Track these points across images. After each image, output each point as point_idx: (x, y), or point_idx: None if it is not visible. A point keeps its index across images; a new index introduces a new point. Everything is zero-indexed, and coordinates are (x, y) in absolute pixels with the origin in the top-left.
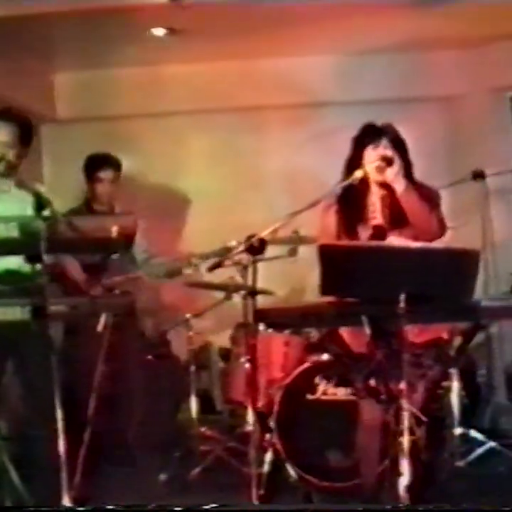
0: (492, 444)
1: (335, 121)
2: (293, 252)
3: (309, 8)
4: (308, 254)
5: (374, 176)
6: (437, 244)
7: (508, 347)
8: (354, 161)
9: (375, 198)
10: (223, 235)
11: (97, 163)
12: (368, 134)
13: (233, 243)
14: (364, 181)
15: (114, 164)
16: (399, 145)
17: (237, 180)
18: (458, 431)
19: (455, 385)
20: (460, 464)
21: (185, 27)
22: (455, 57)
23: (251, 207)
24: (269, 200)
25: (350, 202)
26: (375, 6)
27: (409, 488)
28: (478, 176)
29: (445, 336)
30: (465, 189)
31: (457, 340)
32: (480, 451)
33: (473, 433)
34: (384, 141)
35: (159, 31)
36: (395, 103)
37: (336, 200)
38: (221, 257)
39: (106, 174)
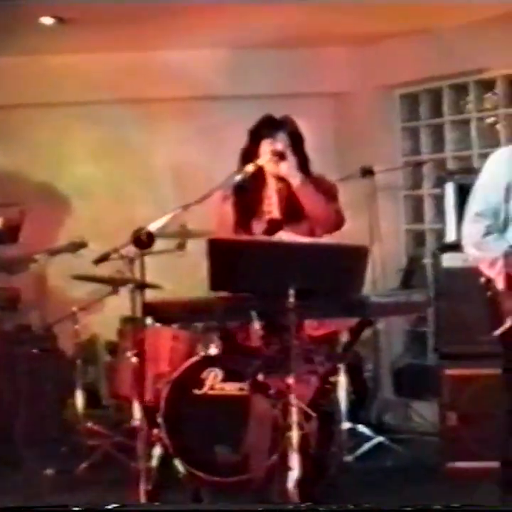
0: (380, 438)
1: (225, 116)
2: (181, 246)
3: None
4: (196, 248)
5: (269, 169)
6: (328, 239)
7: (395, 343)
8: (249, 153)
9: (271, 191)
10: (107, 228)
11: None
12: (265, 126)
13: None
14: (261, 174)
15: None
16: (296, 138)
17: (125, 172)
18: (346, 426)
19: (342, 380)
20: (348, 458)
21: (74, 16)
22: (345, 54)
23: (138, 200)
24: (157, 194)
25: (247, 194)
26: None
27: (299, 482)
28: (367, 172)
29: (339, 330)
30: (353, 185)
31: (344, 336)
32: (368, 446)
33: (361, 428)
34: (281, 134)
35: (47, 20)
36: (285, 98)
37: (233, 191)
38: (69, 251)
39: None
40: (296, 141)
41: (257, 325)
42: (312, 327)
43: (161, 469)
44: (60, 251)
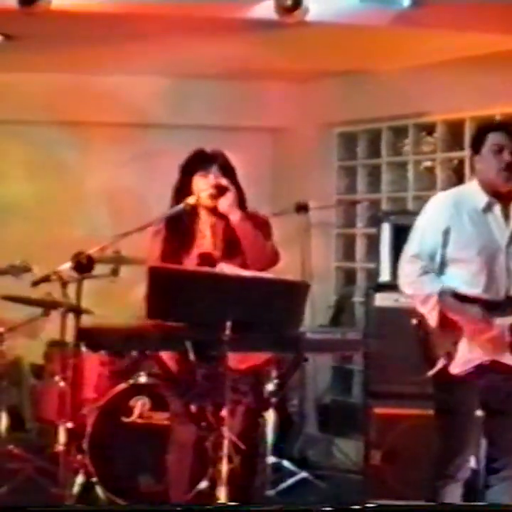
0: (303, 474)
1: (160, 144)
2: (115, 272)
3: (142, 27)
4: (128, 274)
5: (206, 204)
6: (267, 274)
7: (320, 378)
8: (182, 188)
9: (204, 225)
10: (36, 249)
11: None
12: (197, 161)
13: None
14: (194, 209)
15: None
16: (229, 172)
17: (57, 194)
18: (270, 460)
19: (270, 414)
20: (271, 492)
21: (18, 34)
22: (286, 90)
23: (68, 223)
24: (89, 217)
25: (179, 228)
26: (206, 31)
27: None
28: (302, 208)
29: (265, 364)
30: (287, 220)
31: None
32: (291, 481)
33: (285, 463)
34: (214, 168)
35: None
36: (223, 130)
37: (164, 225)
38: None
39: None
40: (230, 175)
41: (191, 355)
42: (237, 360)
43: (83, 495)
44: (2, 273)
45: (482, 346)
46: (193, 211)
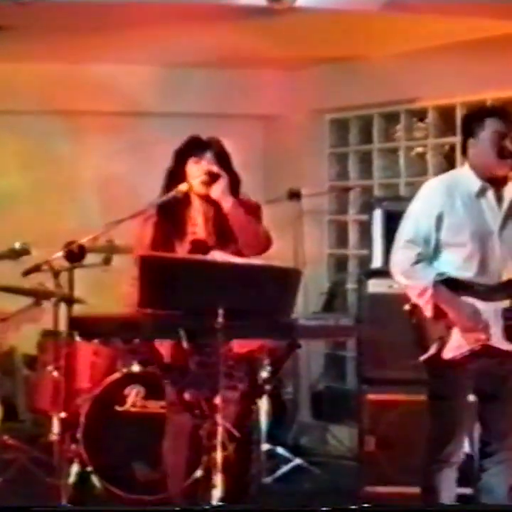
0: (298, 461)
1: (153, 132)
2: (107, 261)
3: (134, 16)
4: (121, 263)
5: (199, 190)
6: (259, 260)
7: (314, 365)
8: (175, 174)
9: (196, 212)
10: (29, 239)
11: None
12: (191, 147)
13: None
14: (186, 195)
15: None
16: (223, 159)
17: (49, 184)
18: (265, 447)
19: (264, 402)
20: (267, 480)
21: (8, 24)
22: (277, 77)
23: (61, 212)
24: (81, 206)
25: (170, 215)
26: (197, 19)
27: (222, 501)
28: (294, 195)
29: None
30: (279, 207)
31: (267, 359)
32: (286, 468)
33: (280, 450)
34: (208, 155)
35: None
36: (215, 118)
37: (156, 212)
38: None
39: None
40: (224, 162)
41: (185, 344)
42: (237, 344)
43: (79, 486)
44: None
45: (472, 338)
46: (185, 198)
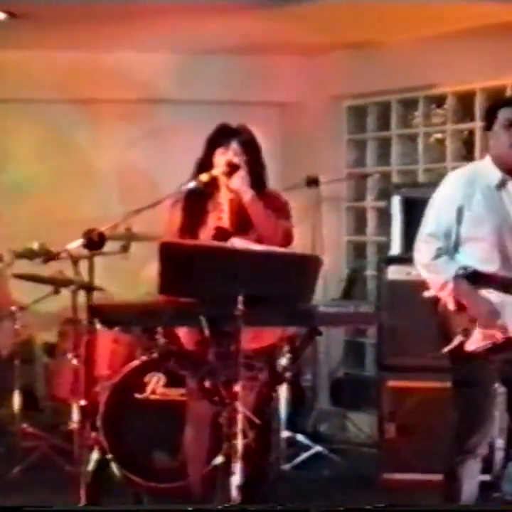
0: (318, 448)
1: (170, 120)
2: (125, 249)
3: (151, 3)
4: (139, 251)
5: (222, 180)
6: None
7: (334, 353)
8: (204, 162)
9: (223, 199)
10: (48, 228)
11: None
12: (219, 135)
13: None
14: (215, 182)
15: None
16: (251, 148)
17: (68, 173)
18: (284, 435)
19: (283, 389)
20: (286, 467)
21: (25, 12)
22: (295, 64)
23: (80, 201)
24: (100, 195)
25: (198, 201)
26: (215, 6)
27: (241, 488)
28: (312, 182)
29: (278, 342)
30: (297, 194)
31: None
32: (305, 455)
33: (299, 437)
34: (234, 144)
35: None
36: (233, 105)
37: (184, 196)
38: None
39: None
40: (252, 151)
41: (206, 331)
42: (248, 339)
43: (98, 473)
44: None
45: (490, 334)
46: (214, 185)
